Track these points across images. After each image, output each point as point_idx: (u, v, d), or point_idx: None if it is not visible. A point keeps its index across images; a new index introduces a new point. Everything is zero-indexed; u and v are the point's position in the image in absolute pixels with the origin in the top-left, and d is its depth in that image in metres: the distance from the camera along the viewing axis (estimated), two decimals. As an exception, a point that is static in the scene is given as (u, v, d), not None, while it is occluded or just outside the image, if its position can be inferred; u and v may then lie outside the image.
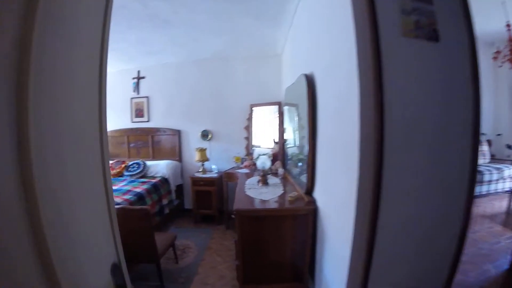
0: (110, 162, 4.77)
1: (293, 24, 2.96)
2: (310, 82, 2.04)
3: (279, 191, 2.52)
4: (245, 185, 2.78)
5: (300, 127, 2.40)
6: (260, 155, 3.14)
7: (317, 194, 2.02)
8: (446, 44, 1.00)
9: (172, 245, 2.90)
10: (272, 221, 2.06)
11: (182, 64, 4.68)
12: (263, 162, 3.02)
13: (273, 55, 4.24)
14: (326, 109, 1.71)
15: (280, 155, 3.66)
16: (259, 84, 4.36)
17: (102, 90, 0.77)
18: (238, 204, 2.15)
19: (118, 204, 3.20)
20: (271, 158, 3.49)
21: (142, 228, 2.37)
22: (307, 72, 2.14)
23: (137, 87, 5.00)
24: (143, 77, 4.97)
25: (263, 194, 2.43)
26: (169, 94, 4.82)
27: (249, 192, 2.50)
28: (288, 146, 3.17)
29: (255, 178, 3.08)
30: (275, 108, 4.00)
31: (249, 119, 4.31)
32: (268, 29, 3.30)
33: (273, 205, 2.15)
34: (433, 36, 1.00)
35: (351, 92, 1.20)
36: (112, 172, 4.50)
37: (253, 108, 4.31)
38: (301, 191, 2.29)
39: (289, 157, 3.09)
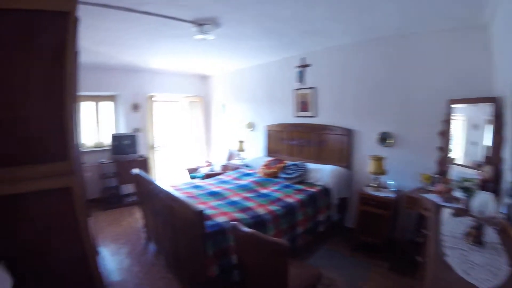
0: (267, 159, 4.78)
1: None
2: None
3: (503, 266, 1.54)
4: (443, 235, 1.92)
5: None
6: (469, 189, 2.23)
7: None
8: None
9: (313, 286, 2.34)
10: None
11: (354, 46, 4.09)
12: (484, 205, 2.03)
13: (476, 27, 2.98)
14: None
15: (494, 184, 2.52)
16: (457, 72, 3.20)
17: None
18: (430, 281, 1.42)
19: (257, 218, 2.99)
20: (477, 188, 2.47)
21: (273, 264, 1.91)
22: None
23: (301, 76, 4.71)
24: (308, 65, 4.66)
25: (476, 269, 1.52)
26: (338, 85, 4.36)
27: (451, 258, 1.62)
28: None
29: (459, 224, 2.11)
30: (485, 106, 2.79)
31: (447, 121, 3.23)
32: None
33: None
34: None
35: None
36: (267, 171, 4.45)
37: (453, 106, 3.19)
38: None
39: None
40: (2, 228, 1.70)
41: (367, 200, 3.53)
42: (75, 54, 2.02)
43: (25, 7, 1.63)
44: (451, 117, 3.25)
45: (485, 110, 2.82)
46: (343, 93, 4.27)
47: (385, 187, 3.61)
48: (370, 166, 3.62)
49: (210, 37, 3.39)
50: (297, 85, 4.86)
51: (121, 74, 5.93)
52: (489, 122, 2.77)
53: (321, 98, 4.57)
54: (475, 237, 1.79)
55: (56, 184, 1.79)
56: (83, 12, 2.33)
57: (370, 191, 3.57)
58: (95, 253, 2.15)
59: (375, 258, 3.45)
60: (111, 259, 3.59)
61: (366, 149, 3.99)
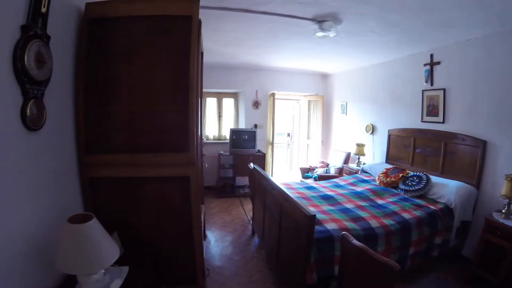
0: (387, 167, 4.59)
1: None
2: None
3: None
4: None
5: None
6: None
7: None
8: None
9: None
10: None
11: (493, 38, 3.50)
12: None
13: None
14: None
15: None
16: None
17: None
18: None
19: (369, 231, 2.93)
20: None
21: (378, 285, 1.79)
22: None
23: (430, 76, 4.31)
24: (437, 63, 4.29)
25: None
26: (473, 86, 3.83)
27: None
28: None
29: None
30: None
31: None
32: None
33: None
34: None
35: None
36: (385, 180, 4.24)
37: None
38: None
39: None
40: (130, 204, 2.17)
41: (494, 228, 3.10)
42: (199, 54, 2.39)
43: (155, 13, 2.03)
44: None
45: None
46: (478, 96, 3.74)
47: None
48: (504, 188, 3.12)
49: (331, 34, 3.42)
50: (425, 85, 4.44)
51: (243, 73, 6.63)
52: None
53: (452, 101, 4.11)
54: None
55: (178, 172, 2.19)
56: (206, 16, 2.72)
57: (500, 218, 3.11)
58: (201, 237, 2.51)
59: None
60: (216, 244, 4.09)
61: (504, 167, 3.37)
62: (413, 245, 3.16)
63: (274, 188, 3.27)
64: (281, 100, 7.42)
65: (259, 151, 6.43)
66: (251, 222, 4.44)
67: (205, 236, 3.94)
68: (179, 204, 2.33)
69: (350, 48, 4.56)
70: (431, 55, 4.32)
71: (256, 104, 6.86)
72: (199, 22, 2.24)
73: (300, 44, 4.36)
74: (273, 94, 6.91)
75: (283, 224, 2.95)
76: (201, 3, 2.25)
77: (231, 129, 6.38)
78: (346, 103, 6.66)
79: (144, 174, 2.23)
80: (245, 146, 6.29)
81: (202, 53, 3.05)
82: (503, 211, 3.12)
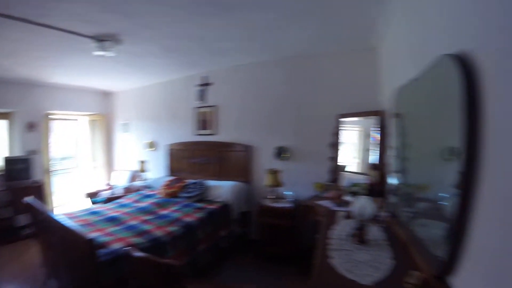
0: (168, 179, 4.65)
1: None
2: (467, 66, 1.08)
3: (386, 260, 1.69)
4: (331, 238, 2.06)
5: (428, 143, 1.60)
6: (357, 193, 2.44)
7: (470, 281, 1.08)
8: None
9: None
10: None
11: (256, 66, 4.40)
12: (363, 208, 2.21)
13: (366, 49, 3.54)
14: None
15: (380, 187, 2.84)
16: (350, 88, 3.72)
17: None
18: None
19: (155, 241, 2.92)
20: (367, 192, 2.77)
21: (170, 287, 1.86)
22: (453, 51, 1.20)
23: (202, 95, 4.79)
24: (209, 83, 4.78)
25: (359, 266, 1.62)
26: (240, 103, 4.60)
27: (335, 259, 1.73)
28: (395, 172, 2.34)
29: (346, 226, 2.30)
30: (372, 119, 3.26)
31: (336, 134, 3.62)
32: (364, 5, 2.60)
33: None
34: None
35: None
36: (168, 191, 4.29)
37: (341, 120, 3.61)
38: (426, 267, 1.42)
39: (398, 189, 2.25)
40: None
41: (266, 212, 3.69)
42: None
43: None
44: (340, 130, 3.66)
45: (373, 122, 3.26)
46: (244, 110, 4.51)
47: (283, 198, 3.82)
48: (267, 180, 3.84)
49: (110, 53, 3.31)
50: (197, 103, 4.91)
51: (17, 89, 5.12)
52: (376, 132, 3.20)
53: (222, 116, 4.75)
54: (359, 237, 1.97)
55: None
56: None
57: (269, 203, 3.73)
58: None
59: (283, 266, 3.58)
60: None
61: (264, 163, 4.24)
62: (202, 243, 3.37)
63: (52, 221, 2.75)
64: (60, 121, 6.24)
65: (36, 181, 5.10)
66: (42, 264, 3.49)
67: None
68: None
69: (132, 67, 4.52)
70: (205, 77, 4.85)
71: (32, 126, 5.42)
72: None
73: (82, 60, 3.91)
74: (49, 114, 5.69)
75: (72, 257, 2.53)
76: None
77: (5, 158, 4.80)
78: (129, 121, 6.38)
79: None
80: (21, 177, 4.87)
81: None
82: (271, 197, 3.81)
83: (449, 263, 1.17)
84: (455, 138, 1.11)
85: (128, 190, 5.44)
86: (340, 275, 1.53)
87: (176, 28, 2.97)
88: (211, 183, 4.29)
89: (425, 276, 1.34)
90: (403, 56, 2.31)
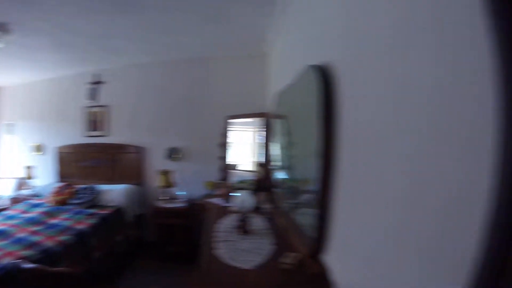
0: (58, 185, 4.37)
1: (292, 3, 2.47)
2: (325, 75, 1.43)
3: (267, 246, 1.91)
4: (217, 231, 2.23)
5: (303, 142, 1.86)
6: (239, 188, 2.63)
7: (334, 257, 1.37)
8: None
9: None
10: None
11: (151, 66, 4.36)
12: (244, 201, 2.43)
13: (258, 55, 3.83)
14: (365, 115, 1.10)
15: (266, 182, 3.13)
16: (240, 91, 3.95)
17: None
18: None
19: (46, 252, 2.79)
20: (255, 188, 3.01)
21: None
22: (318, 62, 1.55)
23: (94, 93, 4.55)
24: (102, 82, 4.53)
25: (243, 254, 1.80)
26: (134, 103, 4.50)
27: (222, 249, 1.88)
28: (279, 168, 2.62)
29: (231, 219, 2.49)
30: (259, 120, 3.55)
31: (224, 134, 3.82)
32: (257, 16, 2.85)
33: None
34: None
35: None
36: (57, 198, 4.05)
37: (230, 121, 3.82)
38: (303, 249, 1.65)
39: (281, 184, 2.51)
40: None
41: (160, 213, 3.78)
42: None
43: None
44: (229, 130, 3.88)
45: (260, 123, 3.54)
46: (138, 111, 4.44)
47: (176, 199, 3.92)
48: (159, 180, 3.90)
49: None
50: (88, 102, 4.65)
51: None
52: (263, 132, 3.47)
53: (115, 117, 4.59)
54: (243, 228, 2.19)
55: None
56: None
57: (162, 204, 3.81)
58: None
59: (182, 264, 3.69)
60: None
61: (157, 165, 4.26)
62: (97, 249, 3.29)
63: None
64: None
65: None
66: None
67: None
68: None
69: (21, 60, 4.09)
70: (98, 75, 4.58)
71: None
72: None
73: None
74: None
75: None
76: None
77: None
78: (14, 122, 5.67)
79: None
80: None
81: None
82: (164, 198, 3.87)
83: (320, 243, 1.44)
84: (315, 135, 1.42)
85: (15, 200, 4.93)
86: (225, 264, 1.69)
87: (69, 22, 2.80)
88: (103, 187, 4.15)
89: (301, 256, 1.58)
90: (285, 64, 2.65)
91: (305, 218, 1.68)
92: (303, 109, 1.78)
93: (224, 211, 2.82)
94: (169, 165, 4.12)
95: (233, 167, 3.86)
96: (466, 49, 0.58)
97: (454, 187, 0.61)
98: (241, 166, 3.84)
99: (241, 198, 2.42)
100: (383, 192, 0.94)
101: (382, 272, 0.92)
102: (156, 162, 4.28)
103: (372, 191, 1.03)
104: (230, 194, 3.40)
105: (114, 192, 4.02)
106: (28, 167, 5.04)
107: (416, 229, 0.75)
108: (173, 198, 3.90)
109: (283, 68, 2.75)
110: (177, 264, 3.71)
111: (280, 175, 2.55)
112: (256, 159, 3.62)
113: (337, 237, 1.35)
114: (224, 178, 3.82)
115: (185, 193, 3.95)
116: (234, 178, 3.71)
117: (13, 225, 3.47)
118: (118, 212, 3.83)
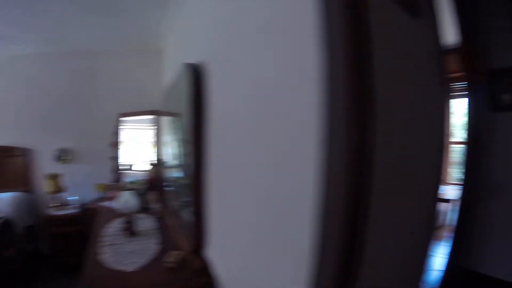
0: None
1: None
2: (197, 74, 1.62)
3: (152, 247, 1.96)
4: (104, 235, 2.20)
5: (184, 140, 1.91)
6: (130, 189, 2.60)
7: (215, 252, 1.50)
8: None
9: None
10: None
11: (38, 57, 3.89)
12: (127, 202, 2.41)
13: (154, 51, 3.65)
14: (234, 113, 1.25)
15: (158, 181, 3.12)
16: (134, 88, 3.79)
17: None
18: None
19: None
20: (146, 187, 2.98)
21: None
22: (194, 60, 1.72)
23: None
24: None
25: (127, 256, 1.84)
26: (21, 98, 4.00)
27: (106, 254, 1.88)
28: (171, 167, 2.62)
29: (119, 222, 2.44)
30: (151, 118, 3.47)
31: (116, 133, 3.70)
32: (150, 10, 2.74)
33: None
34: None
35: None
36: None
37: (123, 119, 3.69)
38: (188, 246, 1.75)
39: (173, 182, 2.51)
40: None
41: (52, 221, 3.59)
42: None
43: None
44: (121, 129, 3.76)
45: (152, 121, 3.48)
46: (25, 108, 3.99)
47: (67, 204, 3.77)
48: (47, 186, 3.66)
49: None
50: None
51: None
52: (155, 130, 3.42)
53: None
54: (129, 230, 2.18)
55: None
56: None
57: (53, 211, 3.63)
58: None
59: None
60: None
61: (46, 168, 3.93)
62: None
63: None
64: None
65: None
66: None
67: None
68: None
69: None
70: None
71: None
72: None
73: None
74: None
75: None
76: None
77: None
78: None
79: None
80: None
81: None
82: (54, 204, 3.66)
83: (199, 239, 1.59)
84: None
85: None
86: (107, 268, 1.72)
87: None
88: (-15, 198, 3.79)
89: (183, 253, 1.68)
90: (173, 60, 2.75)
91: (188, 215, 1.78)
92: (181, 104, 1.89)
93: (114, 214, 2.81)
94: (59, 168, 3.87)
95: (126, 167, 3.78)
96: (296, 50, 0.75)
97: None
98: (135, 166, 3.78)
99: (125, 198, 2.42)
100: (244, 183, 1.12)
101: (253, 263, 1.06)
102: (45, 166, 3.96)
103: (237, 184, 1.19)
104: (121, 196, 3.38)
105: (0, 202, 3.65)
106: None
107: (267, 225, 0.93)
108: (64, 204, 3.73)
109: (172, 65, 2.79)
110: (76, 274, 3.52)
111: (171, 173, 2.57)
112: (149, 158, 3.58)
113: (215, 231, 1.50)
114: (117, 179, 3.75)
115: (77, 197, 3.80)
116: (127, 179, 3.64)
117: None
118: (5, 224, 3.48)
